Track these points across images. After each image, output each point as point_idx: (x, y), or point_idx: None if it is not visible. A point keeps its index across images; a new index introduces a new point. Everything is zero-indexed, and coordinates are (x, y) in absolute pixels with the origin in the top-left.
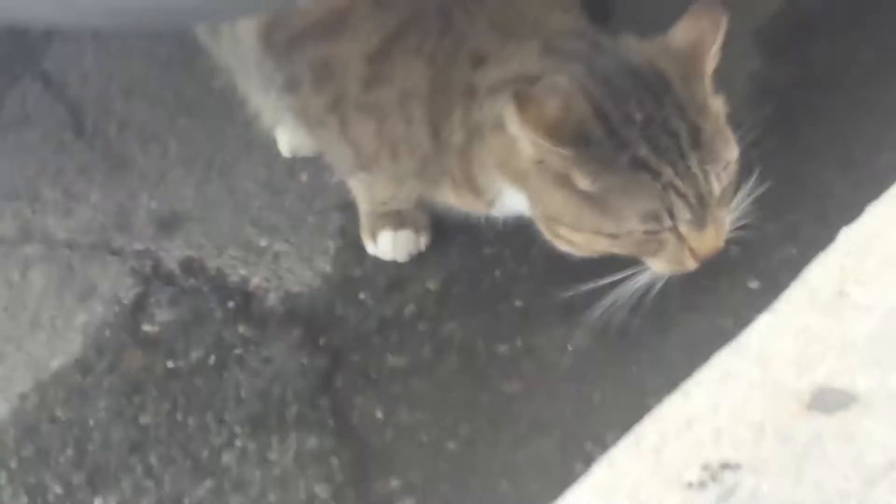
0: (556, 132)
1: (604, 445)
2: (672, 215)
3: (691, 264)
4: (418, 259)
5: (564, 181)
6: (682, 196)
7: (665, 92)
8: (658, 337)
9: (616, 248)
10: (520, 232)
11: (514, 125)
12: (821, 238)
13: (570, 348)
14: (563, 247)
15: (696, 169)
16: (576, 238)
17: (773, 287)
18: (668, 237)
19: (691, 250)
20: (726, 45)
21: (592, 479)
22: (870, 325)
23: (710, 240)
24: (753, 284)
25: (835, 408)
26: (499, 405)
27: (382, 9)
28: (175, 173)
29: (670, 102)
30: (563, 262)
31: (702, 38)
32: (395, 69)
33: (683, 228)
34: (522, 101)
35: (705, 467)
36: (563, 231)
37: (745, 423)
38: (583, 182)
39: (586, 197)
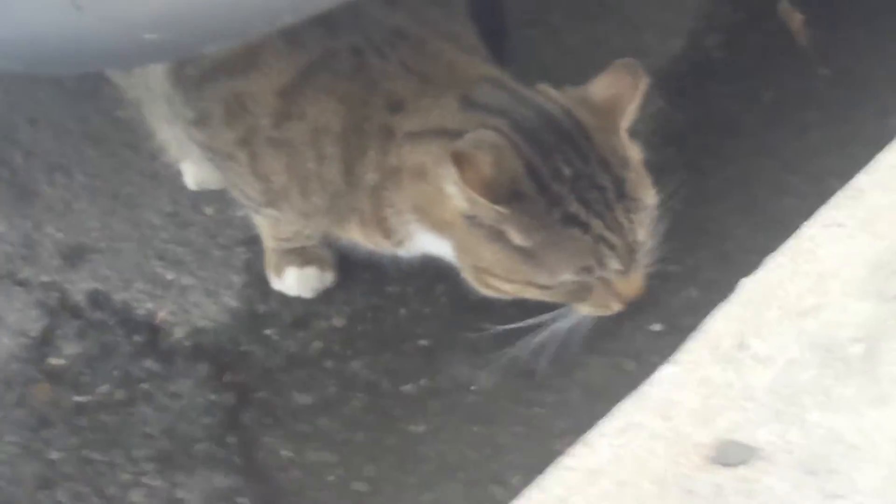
0: (494, 190)
1: (510, 489)
2: (602, 265)
3: (617, 307)
4: (324, 296)
5: (497, 236)
6: (612, 247)
7: (588, 145)
8: (562, 379)
9: (546, 297)
10: (424, 271)
11: (453, 183)
12: (721, 281)
13: (473, 388)
14: (488, 293)
15: (622, 219)
16: (506, 288)
17: (675, 330)
18: (597, 284)
19: (617, 294)
20: None
21: None
22: (769, 378)
23: (635, 284)
24: (655, 327)
25: (736, 462)
26: (405, 446)
27: (294, 45)
28: (80, 204)
29: (594, 156)
30: (467, 302)
31: (621, 95)
32: (308, 105)
33: (612, 276)
34: (461, 160)
35: None
36: (493, 281)
37: (647, 477)
38: (517, 238)
39: (519, 251)
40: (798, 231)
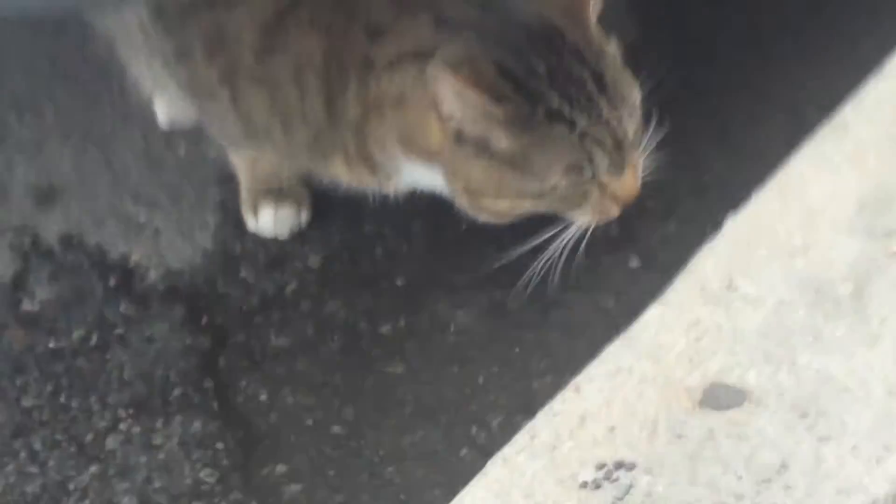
0: (482, 92)
1: (489, 430)
2: (592, 163)
3: (615, 211)
4: (299, 236)
5: (483, 149)
6: (600, 143)
7: (560, 42)
8: (539, 317)
9: (542, 207)
10: (400, 210)
11: (439, 98)
12: (699, 215)
13: (452, 328)
14: (484, 217)
15: (607, 114)
16: (500, 206)
17: (654, 266)
18: (590, 187)
19: (613, 196)
20: (601, 17)
21: (488, 478)
22: (759, 319)
23: (630, 184)
24: (633, 263)
25: (727, 405)
26: (383, 388)
27: None
28: (51, 144)
29: (568, 51)
30: (445, 240)
31: None
32: (290, 40)
33: (604, 176)
34: (447, 72)
35: (600, 467)
36: (486, 202)
37: (638, 421)
38: (504, 143)
39: (507, 161)
40: (785, 166)
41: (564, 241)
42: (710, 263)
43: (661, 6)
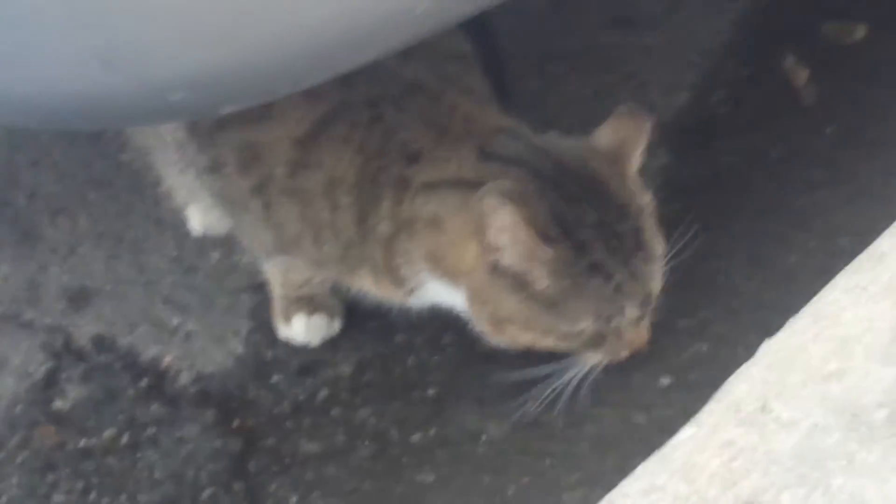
0: (536, 232)
1: None
2: (622, 314)
3: (625, 355)
4: (331, 344)
5: (520, 283)
6: (631, 297)
7: (606, 193)
8: (571, 431)
9: (562, 346)
10: (431, 321)
11: (502, 224)
12: (730, 336)
13: (482, 438)
14: (502, 343)
15: (641, 270)
16: (524, 337)
17: (684, 384)
18: (610, 333)
19: (628, 343)
20: None
21: None
22: (793, 442)
23: (643, 334)
24: (664, 381)
25: None
26: (413, 496)
27: (310, 96)
28: (85, 247)
29: (613, 204)
30: (475, 352)
31: (627, 141)
32: (323, 155)
33: (624, 325)
34: (502, 205)
35: None
36: (511, 330)
37: None
38: (543, 284)
39: (541, 299)
40: (821, 294)
41: (577, 372)
42: (744, 386)
43: (693, 133)
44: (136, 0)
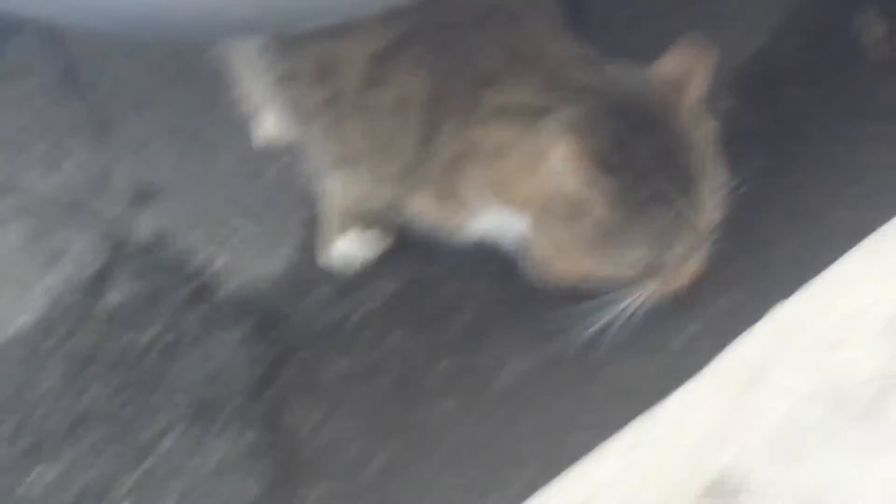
0: (595, 162)
1: (522, 479)
2: (680, 242)
3: (678, 286)
4: (376, 265)
5: (581, 211)
6: (692, 225)
7: (671, 122)
8: (592, 373)
9: (620, 273)
10: (475, 252)
11: (550, 157)
12: (764, 288)
13: (507, 371)
14: (559, 275)
15: (703, 199)
16: (582, 265)
17: (713, 332)
18: (668, 261)
19: (682, 273)
20: None
21: None
22: (781, 412)
23: (699, 264)
24: (693, 328)
25: (732, 496)
26: (431, 422)
27: (392, 15)
28: (158, 143)
29: (677, 133)
30: (516, 286)
31: (691, 70)
32: (398, 73)
33: (683, 254)
34: (572, 131)
35: None
36: (569, 258)
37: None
38: (603, 213)
39: (602, 227)
40: (842, 259)
41: (629, 304)
42: (749, 349)
43: (762, 78)
44: None
